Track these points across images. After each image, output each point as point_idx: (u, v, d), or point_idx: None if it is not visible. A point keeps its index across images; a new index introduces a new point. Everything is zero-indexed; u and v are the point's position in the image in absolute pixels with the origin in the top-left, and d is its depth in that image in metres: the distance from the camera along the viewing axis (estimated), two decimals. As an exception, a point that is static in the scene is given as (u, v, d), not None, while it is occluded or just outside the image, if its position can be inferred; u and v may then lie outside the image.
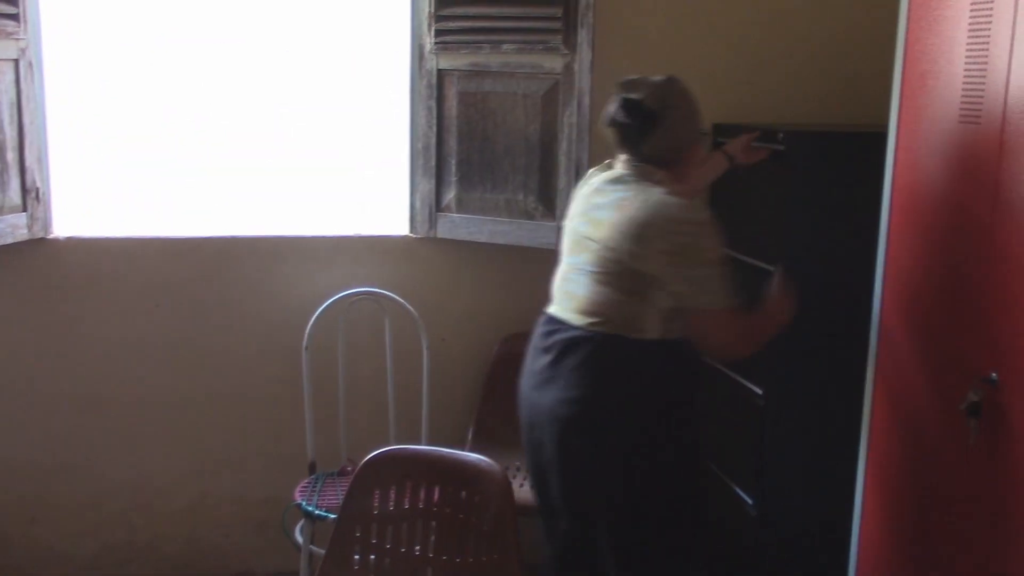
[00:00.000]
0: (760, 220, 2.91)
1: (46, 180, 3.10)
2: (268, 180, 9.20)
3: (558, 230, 3.10)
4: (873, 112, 2.70)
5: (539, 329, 2.44)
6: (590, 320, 2.28)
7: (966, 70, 2.09)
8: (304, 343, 3.08)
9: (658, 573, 2.38)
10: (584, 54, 3.02)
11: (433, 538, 2.28)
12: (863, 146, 2.63)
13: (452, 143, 3.20)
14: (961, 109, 2.11)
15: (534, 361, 2.41)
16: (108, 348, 3.22)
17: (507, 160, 3.16)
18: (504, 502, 2.20)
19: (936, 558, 2.23)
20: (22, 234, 3.02)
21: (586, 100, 3.03)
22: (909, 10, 2.31)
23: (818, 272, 2.63)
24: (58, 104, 3.22)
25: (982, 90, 2.03)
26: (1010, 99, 1.95)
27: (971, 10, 2.07)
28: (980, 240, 2.05)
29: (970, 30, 2.07)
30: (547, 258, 3.12)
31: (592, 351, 2.27)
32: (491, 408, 3.27)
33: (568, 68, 3.05)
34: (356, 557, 2.29)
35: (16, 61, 2.92)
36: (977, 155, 2.06)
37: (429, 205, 3.26)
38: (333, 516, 2.68)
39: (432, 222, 3.26)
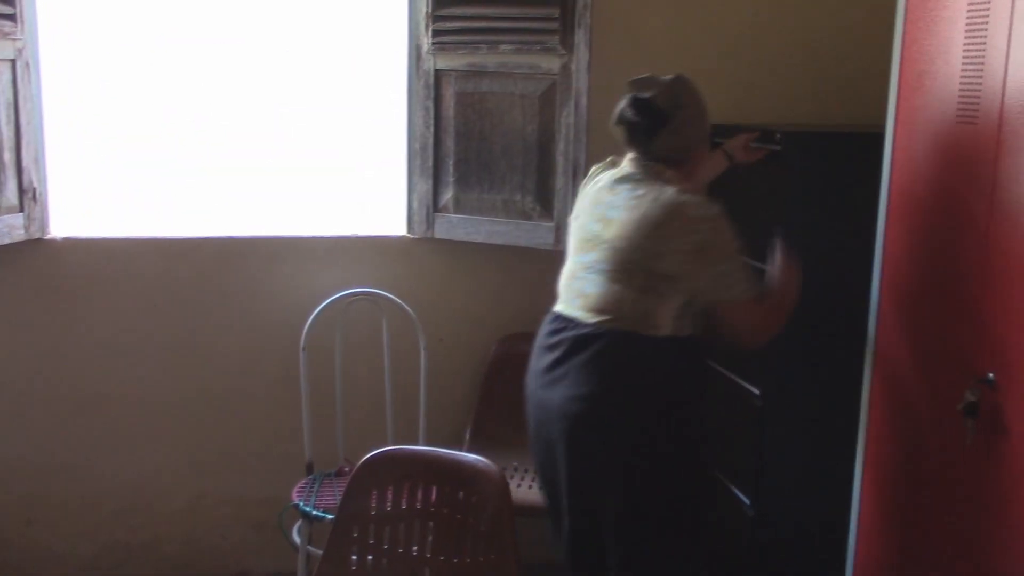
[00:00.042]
0: (757, 220, 2.91)
1: (43, 181, 3.09)
2: (266, 180, 9.19)
3: (557, 229, 3.11)
4: (870, 112, 2.70)
5: (545, 328, 2.44)
6: (601, 318, 2.29)
7: (963, 70, 2.09)
8: (302, 343, 3.08)
9: (665, 570, 2.39)
10: (581, 54, 3.02)
11: (430, 538, 2.28)
12: (860, 146, 2.63)
13: (449, 143, 3.20)
14: (958, 109, 2.11)
15: (540, 359, 2.41)
16: (105, 349, 3.22)
17: (504, 160, 3.16)
18: (501, 502, 2.20)
19: (934, 558, 2.23)
20: (19, 235, 3.02)
21: (583, 100, 3.03)
22: (906, 10, 2.31)
23: (815, 272, 2.63)
24: (56, 104, 3.22)
25: (979, 90, 2.04)
26: (1007, 99, 1.95)
27: (968, 10, 2.07)
28: (977, 240, 2.05)
29: (967, 30, 2.07)
30: (545, 258, 3.13)
31: (602, 348, 2.28)
32: (489, 408, 3.27)
33: (565, 68, 3.05)
34: (354, 557, 2.29)
35: (13, 61, 2.92)
36: (974, 155, 2.06)
37: (426, 205, 3.26)
38: (331, 516, 2.68)
39: (429, 222, 3.26)
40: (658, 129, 2.30)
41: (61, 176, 3.38)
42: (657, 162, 2.33)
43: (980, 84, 2.03)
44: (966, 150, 2.09)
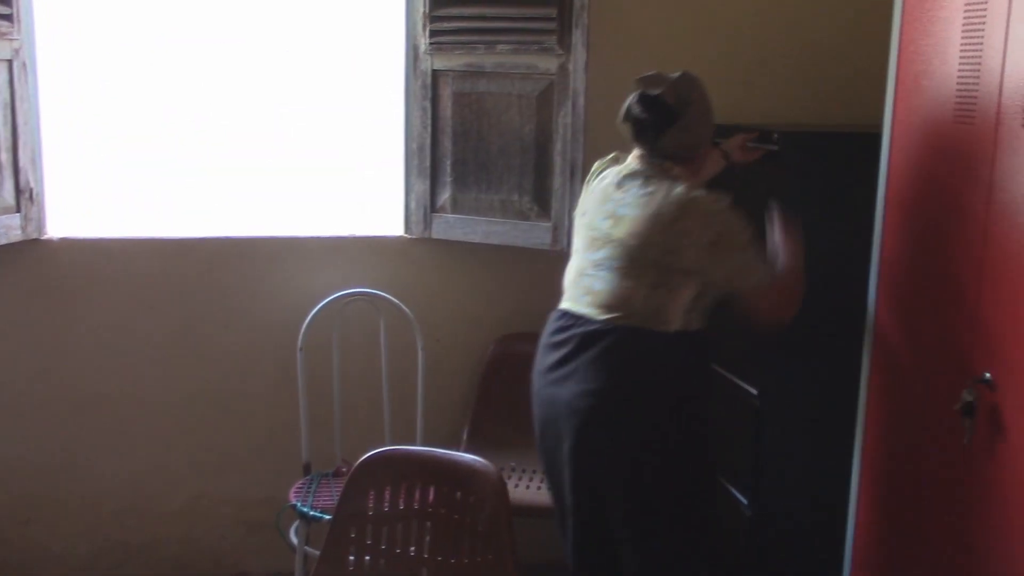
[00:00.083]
0: (755, 221, 2.90)
1: (40, 181, 3.09)
2: (264, 180, 9.18)
3: (554, 229, 3.11)
4: (868, 113, 2.71)
5: (551, 325, 2.44)
6: (611, 315, 2.30)
7: (960, 70, 2.09)
8: (299, 344, 3.08)
9: (673, 566, 2.39)
10: (579, 55, 3.02)
11: (428, 539, 2.28)
12: (858, 146, 2.63)
13: (447, 144, 3.20)
14: (955, 109, 2.11)
15: (547, 357, 2.41)
16: (102, 349, 3.21)
17: (502, 161, 3.16)
18: (499, 502, 2.20)
19: (931, 557, 2.23)
20: (16, 235, 3.01)
21: (581, 101, 3.03)
22: (903, 11, 2.32)
23: (813, 272, 2.63)
24: (55, 104, 3.21)
25: (976, 90, 2.04)
26: (1004, 99, 1.95)
27: (965, 11, 2.07)
28: (974, 240, 2.05)
29: (964, 31, 2.08)
30: (542, 258, 3.14)
31: (612, 344, 2.29)
32: (486, 408, 3.27)
33: (563, 68, 3.05)
34: (351, 558, 2.29)
35: (10, 62, 2.92)
36: (971, 155, 2.06)
37: (424, 206, 3.25)
38: (328, 517, 2.68)
39: (427, 223, 3.26)
40: (666, 126, 2.32)
41: (59, 176, 3.38)
42: (665, 159, 2.35)
43: (977, 84, 2.03)
44: (963, 150, 2.09)
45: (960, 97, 2.09)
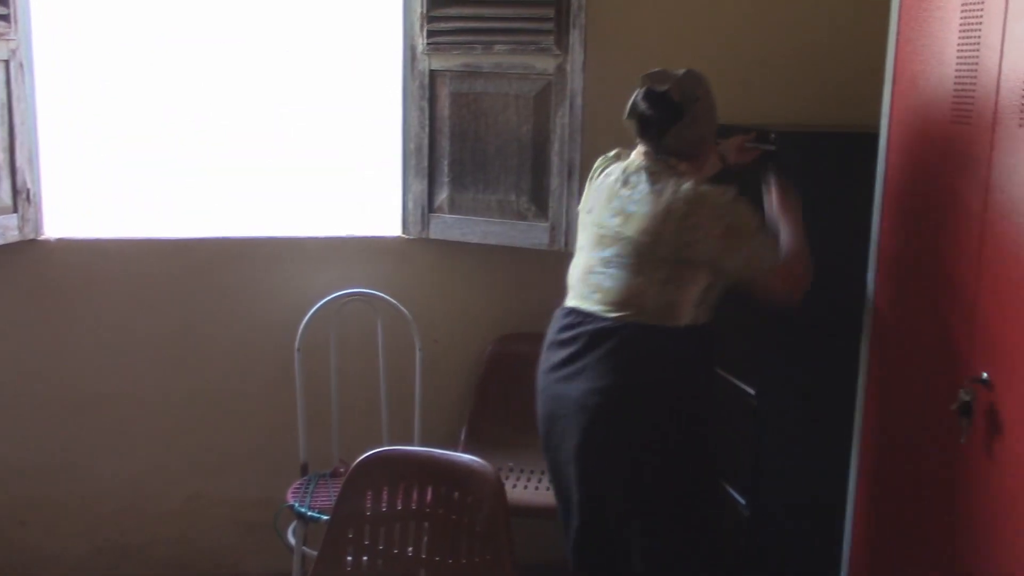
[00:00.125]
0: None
1: (37, 181, 3.09)
2: (262, 180, 9.18)
3: (552, 230, 3.11)
4: (865, 113, 2.71)
5: (558, 323, 2.44)
6: (621, 312, 2.32)
7: (957, 70, 2.09)
8: (296, 344, 3.08)
9: (670, 567, 2.39)
10: (576, 55, 3.02)
11: (426, 539, 2.28)
12: (855, 147, 2.63)
13: (444, 144, 3.20)
14: (952, 109, 2.12)
15: (554, 354, 2.42)
16: (99, 349, 3.21)
17: (499, 161, 3.16)
18: (497, 503, 2.20)
19: (928, 556, 2.23)
20: (13, 235, 3.01)
21: (578, 101, 3.03)
22: (900, 11, 2.32)
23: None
24: (53, 104, 3.21)
25: (973, 90, 2.04)
26: (1001, 99, 1.95)
27: (962, 11, 2.08)
28: (972, 240, 2.05)
29: (961, 31, 2.08)
30: (540, 259, 3.14)
31: (622, 341, 2.30)
32: (484, 409, 3.27)
33: (560, 69, 3.05)
34: (349, 558, 2.29)
35: (7, 62, 2.91)
36: (968, 155, 2.06)
37: (421, 206, 3.25)
38: (326, 517, 2.67)
39: (424, 223, 3.26)
40: (672, 122, 2.33)
41: (56, 177, 3.37)
42: (670, 155, 2.36)
43: (974, 84, 2.03)
44: (960, 150, 2.09)
45: (957, 97, 2.10)
